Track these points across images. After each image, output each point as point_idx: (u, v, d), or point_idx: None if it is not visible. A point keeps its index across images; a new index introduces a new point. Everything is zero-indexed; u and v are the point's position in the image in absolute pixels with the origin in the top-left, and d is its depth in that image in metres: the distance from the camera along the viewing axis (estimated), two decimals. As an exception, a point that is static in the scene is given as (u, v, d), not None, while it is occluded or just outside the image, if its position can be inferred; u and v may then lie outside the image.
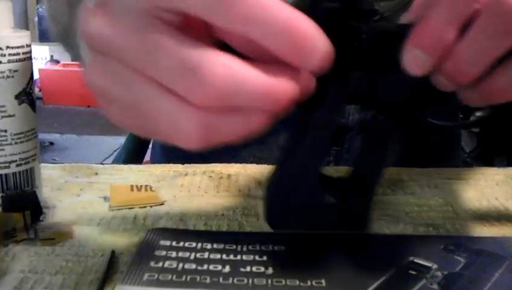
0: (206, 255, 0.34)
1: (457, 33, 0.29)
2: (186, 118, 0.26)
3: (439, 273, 0.33)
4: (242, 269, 0.33)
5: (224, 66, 0.24)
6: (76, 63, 0.52)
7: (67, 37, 0.49)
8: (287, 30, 0.25)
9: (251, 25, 0.24)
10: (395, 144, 0.34)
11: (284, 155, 0.36)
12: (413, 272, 0.33)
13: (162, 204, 0.45)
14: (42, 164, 0.45)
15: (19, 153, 0.42)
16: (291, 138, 0.36)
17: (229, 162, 0.56)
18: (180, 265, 0.33)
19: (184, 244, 0.36)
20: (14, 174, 0.42)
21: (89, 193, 0.48)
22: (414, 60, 0.29)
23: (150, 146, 0.82)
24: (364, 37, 0.31)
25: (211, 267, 0.33)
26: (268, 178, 0.36)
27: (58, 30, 0.55)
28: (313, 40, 0.25)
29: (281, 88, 0.26)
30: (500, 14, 0.27)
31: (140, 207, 0.44)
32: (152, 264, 0.33)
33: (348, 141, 0.62)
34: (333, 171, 0.40)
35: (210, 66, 0.24)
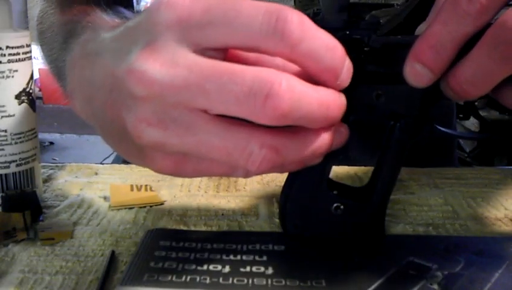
0: (206, 255, 0.34)
1: (457, 50, 0.28)
2: (259, 144, 0.26)
3: (439, 273, 0.33)
4: (242, 269, 0.33)
5: (288, 83, 0.25)
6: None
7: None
8: (329, 53, 0.26)
9: (297, 52, 0.25)
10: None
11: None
12: (413, 272, 0.33)
13: (162, 204, 0.45)
14: (42, 164, 0.45)
15: (19, 153, 0.42)
16: None
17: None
18: (180, 265, 0.33)
19: (184, 244, 0.36)
20: (14, 174, 0.42)
21: (89, 192, 0.48)
22: (414, 73, 0.29)
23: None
24: (366, 49, 0.31)
25: (211, 267, 0.33)
26: (284, 183, 0.36)
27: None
28: (344, 60, 0.27)
29: (331, 99, 0.27)
30: (502, 40, 0.26)
31: (140, 207, 0.44)
32: (152, 264, 0.33)
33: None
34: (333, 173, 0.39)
35: (277, 84, 0.25)
